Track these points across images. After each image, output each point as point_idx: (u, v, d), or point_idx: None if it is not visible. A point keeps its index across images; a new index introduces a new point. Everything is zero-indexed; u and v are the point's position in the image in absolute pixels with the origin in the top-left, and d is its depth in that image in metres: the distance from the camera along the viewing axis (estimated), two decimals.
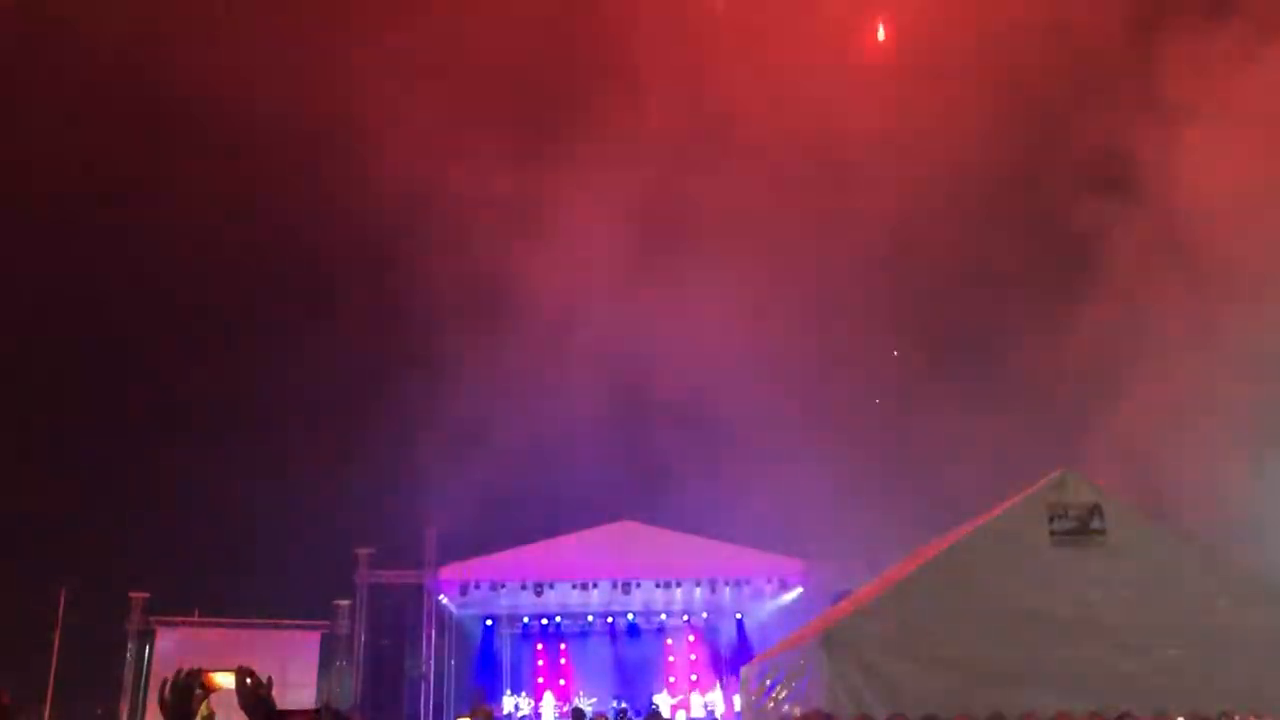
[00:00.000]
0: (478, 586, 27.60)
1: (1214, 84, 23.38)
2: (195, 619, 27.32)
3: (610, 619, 30.19)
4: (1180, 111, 23.90)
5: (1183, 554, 7.66)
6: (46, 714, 23.79)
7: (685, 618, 30.56)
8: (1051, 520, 7.59)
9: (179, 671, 3.48)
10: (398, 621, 28.85)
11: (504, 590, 27.68)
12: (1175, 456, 22.50)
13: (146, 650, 26.95)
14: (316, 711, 2.69)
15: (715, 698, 28.92)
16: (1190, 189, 22.81)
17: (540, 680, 30.06)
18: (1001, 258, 27.67)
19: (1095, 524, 7.56)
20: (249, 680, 3.47)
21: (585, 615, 29.94)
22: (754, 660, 10.17)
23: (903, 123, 28.21)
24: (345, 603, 28.41)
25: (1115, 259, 25.35)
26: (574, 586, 27.56)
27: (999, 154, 27.24)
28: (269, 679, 3.27)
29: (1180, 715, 7.67)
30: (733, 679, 26.92)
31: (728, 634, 30.50)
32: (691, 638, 30.91)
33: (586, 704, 25.49)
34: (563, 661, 30.49)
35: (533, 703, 29.12)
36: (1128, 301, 25.21)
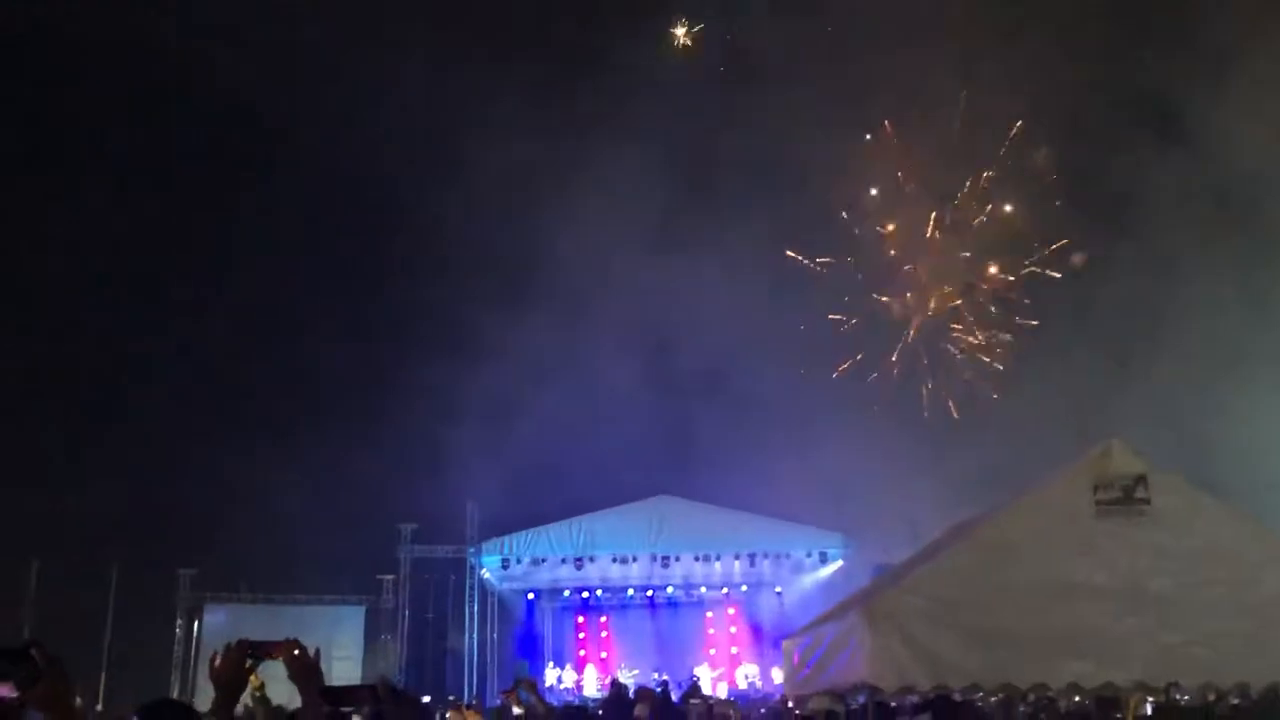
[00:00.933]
0: (519, 561, 27.82)
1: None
2: (242, 595, 27.78)
3: (650, 592, 30.33)
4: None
5: (1229, 524, 7.55)
6: (102, 687, 24.31)
7: (725, 591, 30.63)
8: (1096, 490, 7.48)
9: (229, 643, 3.52)
10: (440, 596, 29.17)
11: (544, 564, 27.88)
12: (1219, 423, 22.23)
13: (196, 626, 27.44)
14: (373, 687, 2.70)
15: (756, 670, 29.00)
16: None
17: (582, 653, 30.30)
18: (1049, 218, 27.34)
19: (1140, 494, 7.45)
20: (297, 652, 3.50)
21: (625, 589, 30.09)
22: (795, 633, 10.16)
23: (944, 69, 27.62)
24: (389, 578, 28.75)
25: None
26: (614, 560, 27.71)
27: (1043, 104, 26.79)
28: (317, 650, 3.30)
29: (1226, 686, 7.59)
30: (773, 652, 26.98)
31: (768, 607, 30.55)
32: (731, 611, 31.00)
33: (627, 676, 25.64)
34: (604, 634, 30.70)
35: (575, 675, 29.36)
36: (1170, 267, 24.85)
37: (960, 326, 29.13)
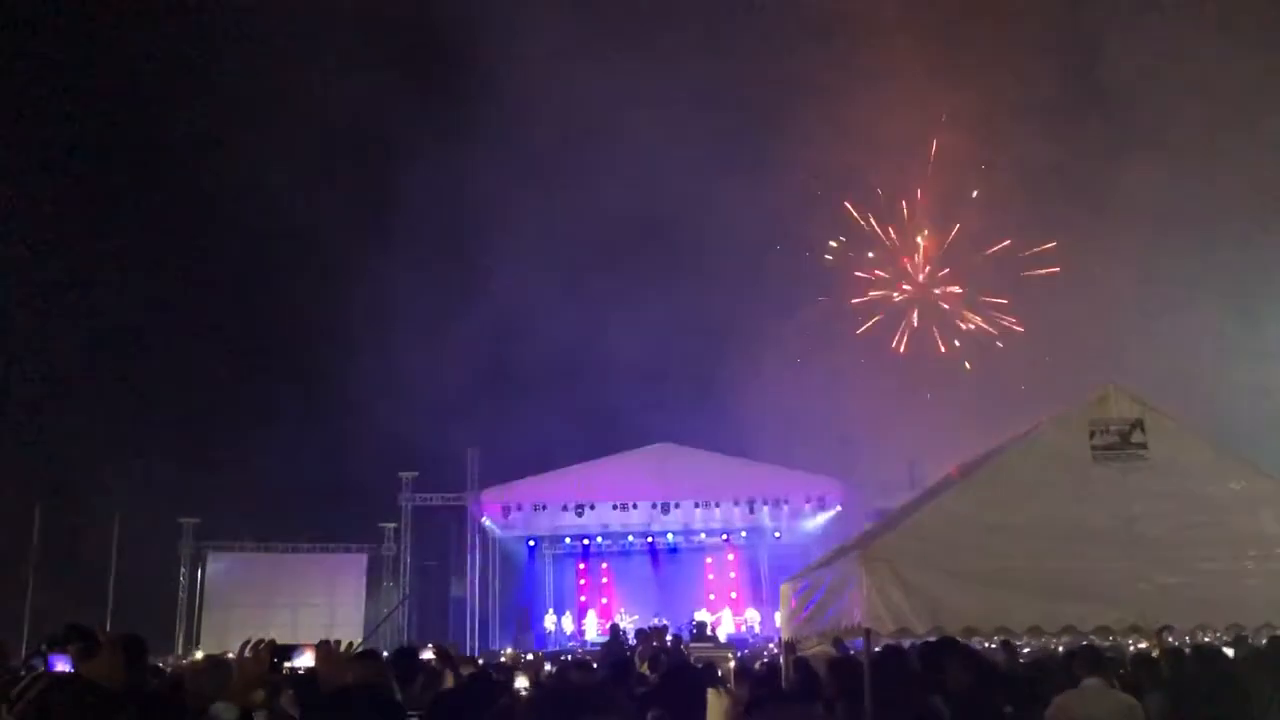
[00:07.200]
0: (519, 508, 27.97)
1: None
2: (245, 544, 27.94)
3: (650, 539, 30.55)
4: None
5: (1226, 467, 7.55)
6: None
7: (724, 537, 30.86)
8: (1092, 435, 7.48)
9: (260, 640, 3.63)
10: (442, 543, 29.38)
11: (545, 512, 28.04)
12: (1217, 367, 22.25)
13: (199, 574, 27.63)
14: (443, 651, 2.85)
15: (754, 615, 29.28)
16: None
17: (582, 599, 30.58)
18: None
19: (1137, 438, 7.45)
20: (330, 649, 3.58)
21: (625, 535, 30.32)
22: (793, 577, 10.24)
23: None
24: (390, 526, 28.93)
25: None
26: (614, 507, 27.87)
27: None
28: (350, 645, 3.38)
29: (1221, 628, 7.65)
30: (772, 596, 27.21)
31: (767, 552, 30.80)
32: (731, 556, 31.25)
33: (628, 621, 25.90)
34: (604, 581, 30.96)
35: (576, 621, 29.65)
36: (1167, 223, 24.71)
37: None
